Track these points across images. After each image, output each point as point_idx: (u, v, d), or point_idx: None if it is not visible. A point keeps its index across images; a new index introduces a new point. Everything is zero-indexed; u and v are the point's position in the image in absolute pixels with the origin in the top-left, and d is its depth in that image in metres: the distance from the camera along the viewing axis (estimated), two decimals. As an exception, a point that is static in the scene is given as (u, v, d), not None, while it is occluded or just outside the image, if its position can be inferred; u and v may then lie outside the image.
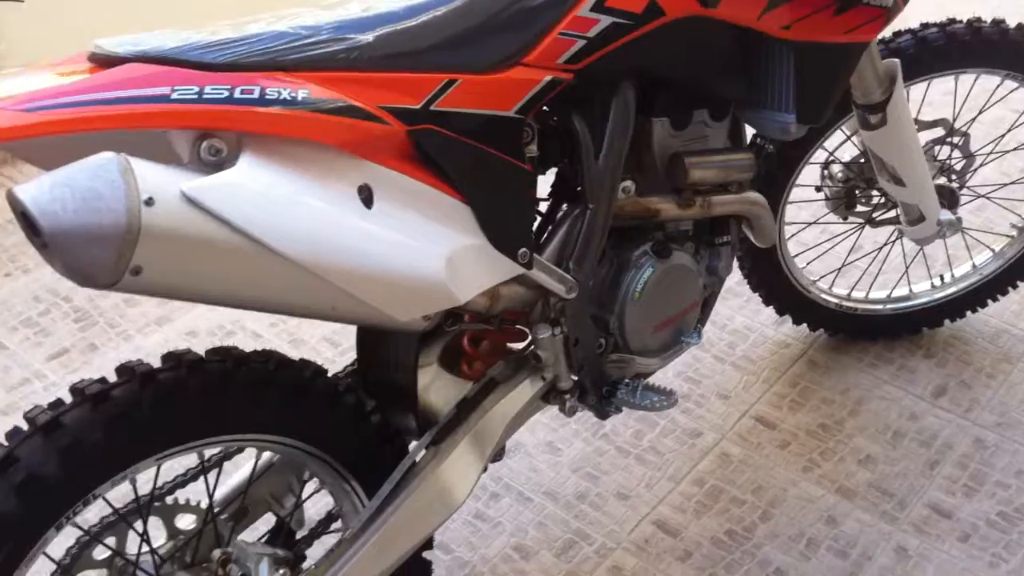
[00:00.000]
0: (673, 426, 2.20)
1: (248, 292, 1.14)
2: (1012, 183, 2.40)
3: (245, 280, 1.12)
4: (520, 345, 1.60)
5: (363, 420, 1.44)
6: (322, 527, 1.58)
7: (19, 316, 2.41)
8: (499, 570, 1.93)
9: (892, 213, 2.21)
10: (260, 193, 1.11)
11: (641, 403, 1.58)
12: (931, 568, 1.93)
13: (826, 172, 2.15)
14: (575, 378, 1.57)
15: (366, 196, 1.22)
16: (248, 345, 2.33)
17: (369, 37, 1.24)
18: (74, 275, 1.03)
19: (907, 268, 2.35)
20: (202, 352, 1.30)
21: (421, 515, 1.43)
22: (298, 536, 1.57)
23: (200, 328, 2.38)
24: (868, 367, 2.34)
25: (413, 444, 1.50)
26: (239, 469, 1.53)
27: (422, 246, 1.26)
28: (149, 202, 1.03)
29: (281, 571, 1.33)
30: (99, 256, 1.01)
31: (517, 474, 2.09)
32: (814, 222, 2.23)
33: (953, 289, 2.35)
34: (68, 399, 1.22)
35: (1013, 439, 2.17)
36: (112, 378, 1.26)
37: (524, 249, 1.38)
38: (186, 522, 1.45)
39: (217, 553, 1.35)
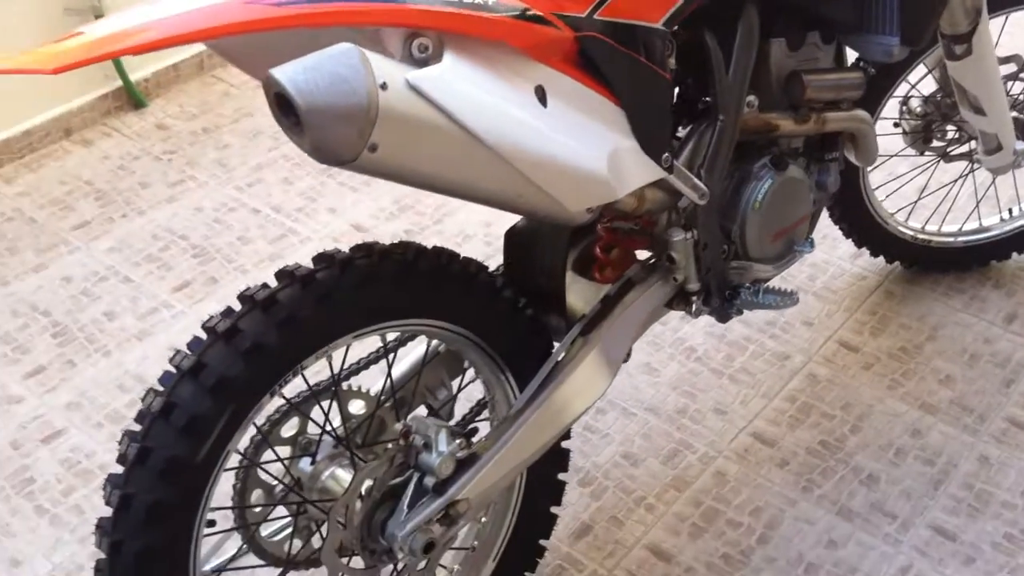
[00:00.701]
0: (762, 350, 2.34)
1: (456, 176, 1.28)
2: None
3: (454, 165, 1.26)
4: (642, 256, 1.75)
5: (518, 313, 1.58)
6: (472, 416, 1.72)
7: (140, 253, 2.56)
8: (611, 475, 2.07)
9: (965, 148, 2.34)
10: (465, 86, 1.25)
11: (764, 302, 1.72)
12: (1013, 473, 2.06)
13: (905, 107, 2.29)
14: (701, 282, 1.71)
15: (541, 96, 1.35)
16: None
17: None
18: (321, 151, 1.17)
19: (978, 202, 2.48)
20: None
21: (572, 399, 1.57)
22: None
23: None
24: (942, 296, 2.47)
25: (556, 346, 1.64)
26: (397, 366, 1.67)
27: (589, 143, 1.39)
28: (383, 86, 1.17)
29: (457, 441, 1.47)
30: (344, 132, 1.15)
31: (620, 392, 2.23)
32: (895, 154, 2.36)
33: (1021, 222, 2.48)
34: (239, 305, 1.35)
35: (1083, 359, 2.31)
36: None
37: (667, 154, 1.52)
38: (356, 407, 1.59)
39: (399, 426, 1.49)
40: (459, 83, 1.25)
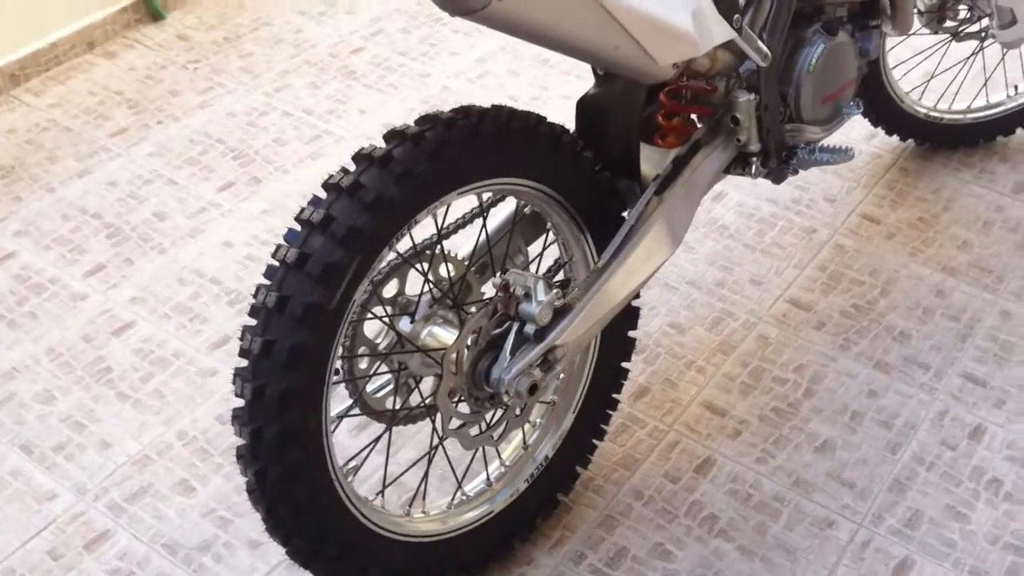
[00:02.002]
0: (790, 225, 2.46)
1: (567, 27, 1.37)
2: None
3: (566, 15, 1.35)
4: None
5: (596, 175, 1.68)
6: (551, 275, 1.81)
7: (181, 156, 2.60)
8: (661, 343, 2.19)
9: (976, 27, 2.46)
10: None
11: (820, 159, 1.83)
12: (1033, 326, 2.22)
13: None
14: (761, 143, 1.81)
15: (633, -44, 1.44)
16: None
17: None
18: (456, 1, 1.25)
19: (987, 80, 2.61)
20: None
21: (653, 252, 1.68)
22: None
23: (349, 162, 2.59)
24: (953, 171, 2.60)
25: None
26: (469, 240, 1.76)
27: (676, 2, 1.49)
28: (510, -63, 1.25)
29: (555, 291, 1.57)
30: (478, -21, 1.24)
31: (662, 269, 2.33)
32: (912, 33, 2.47)
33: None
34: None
35: (1090, 222, 2.46)
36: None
37: (737, 15, 1.62)
38: (444, 271, 1.69)
39: (496, 279, 1.59)
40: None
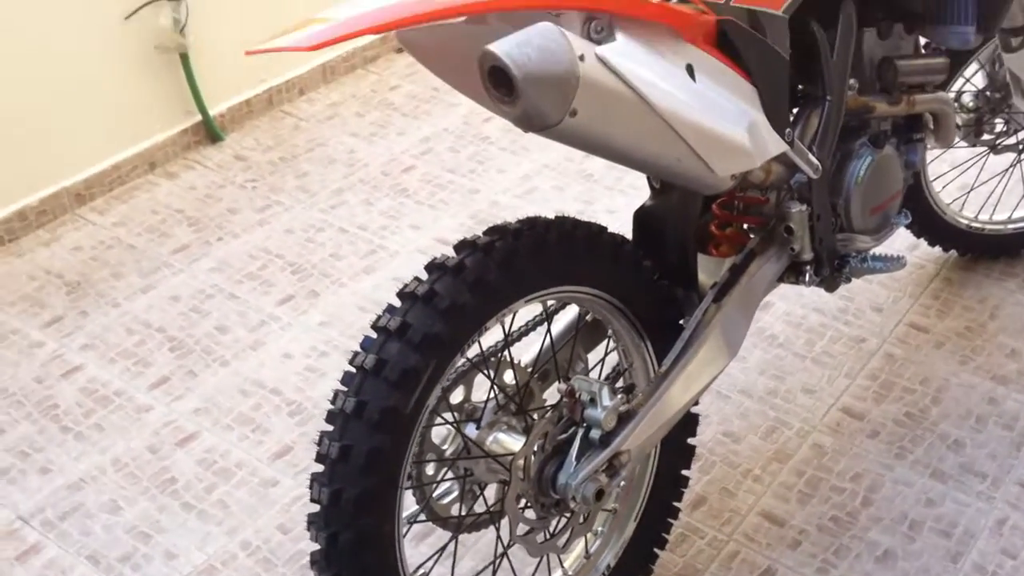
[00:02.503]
0: (839, 335, 2.49)
1: (633, 140, 1.43)
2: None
3: (632, 130, 1.42)
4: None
5: (655, 284, 1.73)
6: (612, 382, 1.85)
7: (241, 271, 2.68)
8: (716, 451, 2.21)
9: (1013, 139, 2.52)
10: (639, 61, 1.41)
11: (873, 268, 1.88)
12: (1088, 433, 2.22)
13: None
14: (814, 252, 1.86)
15: (690, 72, 1.51)
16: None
17: None
18: (531, 117, 1.31)
19: (1026, 192, 2.66)
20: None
21: (713, 358, 1.71)
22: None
23: (404, 274, 2.66)
24: (997, 280, 2.64)
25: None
26: (531, 347, 1.80)
27: (733, 115, 1.55)
28: (582, 58, 1.32)
29: (619, 396, 1.61)
30: (553, 98, 1.30)
31: (713, 377, 2.37)
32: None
33: (1068, 209, 2.66)
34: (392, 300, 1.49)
35: None
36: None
37: (789, 129, 1.69)
38: (508, 377, 1.72)
39: (562, 385, 1.63)
40: (633, 57, 1.41)
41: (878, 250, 1.95)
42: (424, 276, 1.50)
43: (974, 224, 2.63)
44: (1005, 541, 2.02)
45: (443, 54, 1.54)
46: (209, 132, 3.16)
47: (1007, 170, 2.64)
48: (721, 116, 1.53)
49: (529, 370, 1.73)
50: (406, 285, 1.50)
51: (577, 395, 1.61)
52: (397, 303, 1.49)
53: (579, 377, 1.63)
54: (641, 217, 1.82)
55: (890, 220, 1.96)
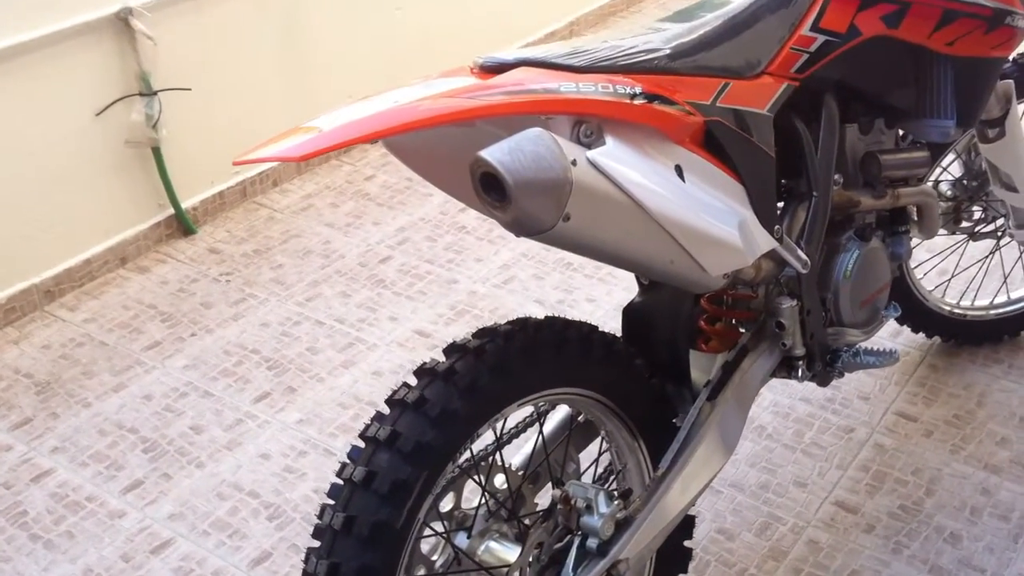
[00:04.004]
0: (827, 424, 2.45)
1: (625, 242, 1.40)
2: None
3: (624, 232, 1.39)
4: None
5: (649, 382, 1.69)
6: (604, 483, 1.79)
7: (216, 368, 2.62)
8: (710, 550, 2.15)
9: (991, 227, 2.53)
10: (630, 164, 1.39)
11: (865, 362, 1.85)
12: (1084, 523, 2.18)
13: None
14: (806, 347, 1.83)
15: (679, 173, 1.50)
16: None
17: (667, 49, 1.54)
18: (523, 222, 1.28)
19: (1006, 277, 2.66)
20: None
21: (710, 458, 1.67)
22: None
23: (383, 368, 2.61)
24: (982, 367, 2.62)
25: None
26: (520, 450, 1.76)
27: (723, 215, 1.53)
28: (573, 163, 1.30)
29: (616, 502, 1.56)
30: (546, 204, 1.28)
31: (701, 471, 2.32)
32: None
33: (1048, 293, 2.67)
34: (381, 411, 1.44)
35: (1126, 414, 2.46)
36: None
37: (777, 226, 1.67)
38: (499, 481, 1.67)
39: (557, 492, 1.58)
40: (624, 160, 1.39)
41: (870, 344, 1.93)
42: (413, 381, 1.46)
43: (956, 310, 2.62)
44: (1008, 639, 1.97)
45: (429, 156, 1.52)
46: (182, 225, 3.12)
47: (986, 257, 2.64)
48: (712, 215, 1.51)
49: (521, 473, 1.68)
50: (395, 392, 1.45)
51: (573, 502, 1.56)
52: (385, 409, 1.44)
53: (574, 483, 1.58)
54: (630, 314, 1.79)
55: (879, 313, 1.94)
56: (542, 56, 1.44)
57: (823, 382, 1.90)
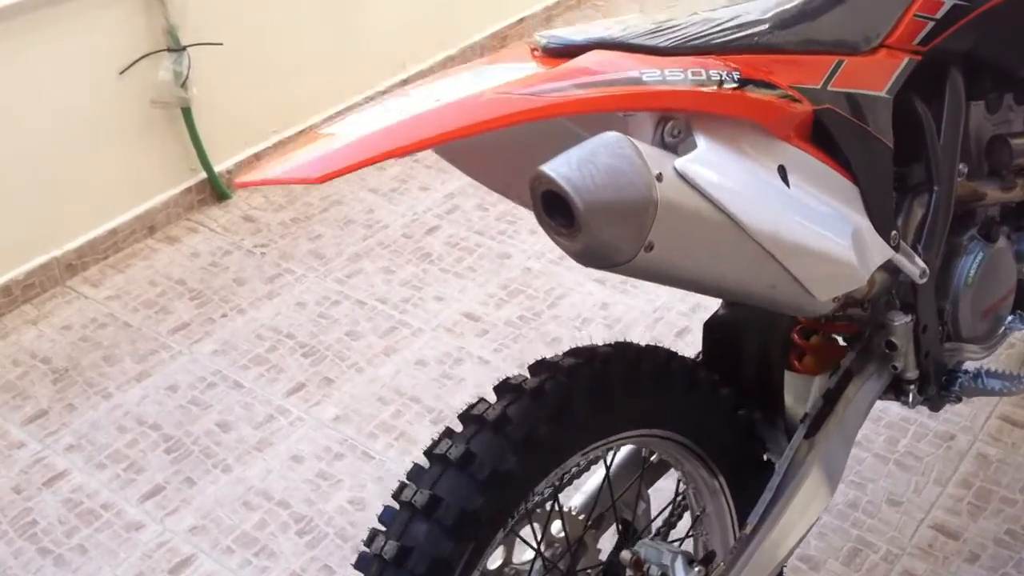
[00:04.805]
0: (923, 431, 2.18)
1: (720, 270, 1.14)
2: None
3: (719, 257, 1.13)
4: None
5: (736, 416, 1.44)
6: (672, 524, 1.56)
7: (247, 354, 2.41)
8: (791, 580, 1.91)
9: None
10: (726, 171, 1.12)
11: (988, 388, 1.57)
12: None
13: None
14: (919, 369, 1.56)
15: (783, 175, 1.23)
16: (477, 371, 2.33)
17: (767, 21, 1.26)
18: (596, 254, 1.03)
19: None
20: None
21: (809, 505, 1.42)
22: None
23: (428, 357, 2.38)
24: (1096, 361, 2.33)
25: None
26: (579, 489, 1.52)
27: (834, 225, 1.26)
28: (659, 178, 1.04)
29: (696, 568, 1.32)
30: (624, 232, 1.02)
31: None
32: None
33: None
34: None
35: None
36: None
37: (894, 232, 1.39)
38: (555, 527, 1.44)
39: (627, 555, 1.34)
40: (720, 168, 1.12)
41: (991, 364, 1.65)
42: (457, 427, 1.22)
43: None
44: None
45: (484, 159, 1.26)
46: (215, 190, 2.89)
47: None
48: (823, 228, 1.24)
49: (581, 518, 1.44)
50: (435, 442, 1.21)
51: (645, 568, 1.32)
52: (424, 463, 1.21)
53: (647, 544, 1.35)
54: (714, 329, 1.52)
55: (1002, 323, 1.65)
56: (619, 35, 1.17)
57: (936, 407, 1.63)
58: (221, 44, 2.75)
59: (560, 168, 0.99)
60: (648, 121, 1.12)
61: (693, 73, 1.14)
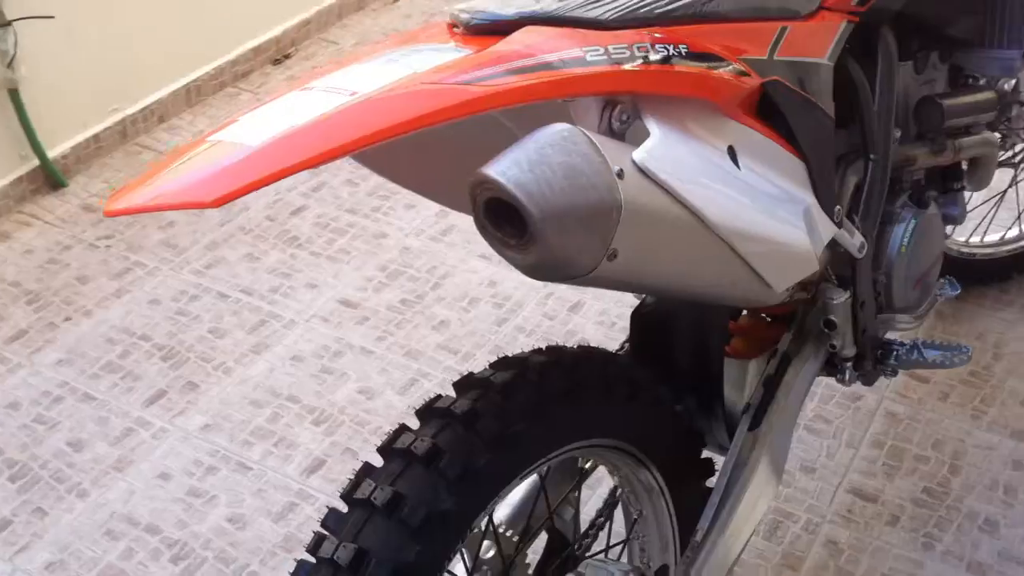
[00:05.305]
0: (831, 392, 2.12)
1: (683, 271, 1.01)
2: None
3: (682, 257, 0.99)
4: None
5: (673, 412, 1.31)
6: (592, 535, 1.42)
7: (97, 362, 2.15)
8: (716, 565, 1.81)
9: (1007, 155, 2.20)
10: (684, 161, 0.98)
11: (929, 360, 1.49)
12: None
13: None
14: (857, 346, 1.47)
15: (733, 157, 1.09)
16: (360, 363, 2.15)
17: None
18: (552, 267, 0.87)
19: (1021, 211, 2.34)
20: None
21: (756, 502, 1.32)
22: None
23: (304, 351, 2.18)
24: (991, 311, 2.31)
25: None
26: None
27: (787, 208, 1.14)
28: (620, 175, 0.88)
29: (646, 584, 1.19)
30: (585, 241, 0.86)
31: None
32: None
33: (1059, 223, 2.36)
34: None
35: None
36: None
37: (838, 207, 1.28)
38: (486, 550, 1.29)
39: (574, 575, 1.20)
40: (677, 157, 0.97)
41: (925, 335, 1.57)
42: (377, 460, 1.05)
43: (964, 249, 2.30)
44: (1073, 656, 1.70)
45: (407, 160, 1.08)
46: (49, 178, 2.59)
47: (1005, 190, 2.31)
48: (779, 214, 1.12)
49: (511, 534, 1.29)
50: (353, 483, 1.03)
51: (594, 591, 1.18)
52: (341, 506, 1.03)
53: (593, 564, 1.21)
54: (643, 317, 1.38)
55: (932, 291, 1.58)
56: (553, 8, 1.01)
57: (869, 381, 1.55)
58: (52, 17, 2.45)
59: (509, 171, 0.83)
60: (593, 107, 0.96)
61: (639, 49, 0.99)
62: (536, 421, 1.08)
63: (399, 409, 2.06)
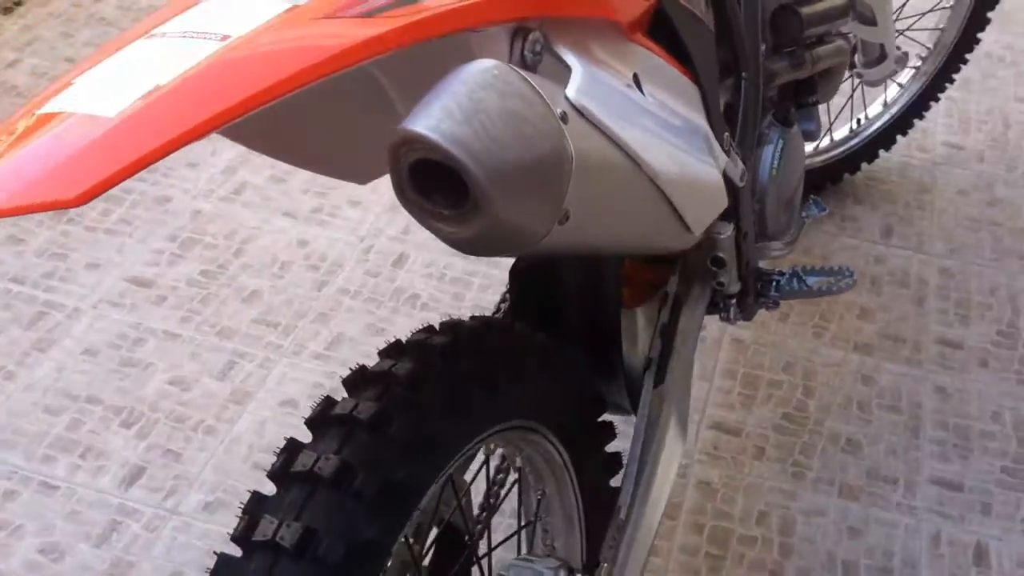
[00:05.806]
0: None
1: (626, 226, 0.85)
2: (921, 15, 2.40)
3: (626, 210, 0.84)
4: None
5: (578, 378, 1.17)
6: (483, 519, 1.28)
7: None
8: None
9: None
10: (609, 97, 0.82)
11: (811, 287, 1.42)
12: (974, 399, 1.94)
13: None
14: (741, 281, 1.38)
15: (637, 84, 0.95)
16: (167, 349, 1.89)
17: None
18: (498, 239, 0.69)
19: (832, 121, 2.33)
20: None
21: (670, 464, 1.21)
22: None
23: (97, 343, 1.89)
24: (814, 226, 2.30)
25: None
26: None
27: (693, 140, 1.02)
28: (564, 118, 0.71)
29: (577, 577, 1.06)
30: (539, 203, 0.69)
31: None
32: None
33: (868, 131, 2.37)
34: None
35: (970, 261, 2.23)
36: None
37: (727, 133, 1.16)
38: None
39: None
40: (602, 92, 0.82)
41: (803, 259, 1.50)
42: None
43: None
44: (948, 563, 1.70)
45: (252, 122, 0.86)
46: None
47: (851, 94, 2.28)
48: (688, 147, 0.99)
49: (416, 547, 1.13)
50: (246, 523, 0.83)
51: (524, 596, 1.04)
52: (235, 551, 0.84)
53: (517, 564, 1.06)
54: (524, 273, 1.23)
55: (798, 212, 1.51)
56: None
57: (749, 316, 1.46)
58: None
59: (442, 124, 0.64)
60: (502, 36, 0.79)
61: (536, -40, 0.81)
62: (452, 415, 0.92)
63: (221, 398, 1.82)
